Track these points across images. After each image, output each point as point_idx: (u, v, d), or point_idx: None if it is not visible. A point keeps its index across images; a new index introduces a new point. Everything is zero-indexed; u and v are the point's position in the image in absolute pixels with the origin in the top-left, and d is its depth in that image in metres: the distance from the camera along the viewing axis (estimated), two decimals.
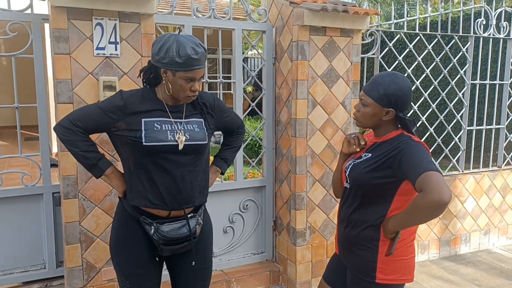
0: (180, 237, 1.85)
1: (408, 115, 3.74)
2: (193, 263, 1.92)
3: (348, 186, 1.83)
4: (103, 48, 2.49)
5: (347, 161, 1.89)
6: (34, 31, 2.66)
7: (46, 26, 2.74)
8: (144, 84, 1.89)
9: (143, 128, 1.76)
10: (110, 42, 2.50)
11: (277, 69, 3.25)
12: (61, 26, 2.40)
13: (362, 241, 1.73)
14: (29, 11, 2.65)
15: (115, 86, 2.51)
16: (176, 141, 1.78)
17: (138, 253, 1.85)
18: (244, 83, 3.21)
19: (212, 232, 2.07)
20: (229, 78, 10.93)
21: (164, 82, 1.79)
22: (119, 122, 1.77)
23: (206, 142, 1.88)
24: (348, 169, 1.82)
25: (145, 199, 1.80)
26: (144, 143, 1.74)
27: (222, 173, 2.19)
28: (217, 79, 3.22)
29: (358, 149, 1.84)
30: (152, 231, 1.81)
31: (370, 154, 1.78)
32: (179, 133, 1.79)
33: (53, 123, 3.93)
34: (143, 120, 1.77)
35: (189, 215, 1.89)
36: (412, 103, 3.74)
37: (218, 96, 2.99)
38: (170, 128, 1.80)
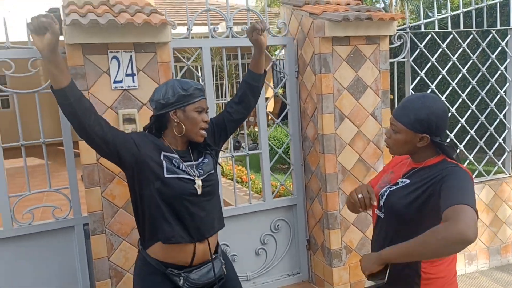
0: (210, 282, 1.84)
1: None
2: None
3: (382, 216, 1.69)
4: (120, 81, 2.46)
5: (380, 186, 1.75)
6: None
7: None
8: None
9: (162, 159, 1.75)
10: (127, 74, 2.46)
11: (301, 82, 3.13)
12: (77, 62, 2.38)
13: (402, 280, 1.59)
14: None
15: (134, 118, 2.47)
16: (195, 187, 1.77)
17: None
18: (276, 88, 3.12)
19: (233, 266, 2.06)
20: None
21: (174, 125, 1.77)
22: (140, 152, 1.72)
23: (213, 171, 1.89)
24: (384, 197, 1.68)
25: (175, 236, 1.75)
26: (165, 175, 1.72)
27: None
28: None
29: (364, 211, 1.72)
30: (182, 282, 1.77)
31: (408, 181, 1.63)
32: (196, 178, 1.78)
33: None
34: (163, 153, 1.77)
35: (213, 256, 1.87)
36: (449, 105, 3.53)
37: None
38: (186, 168, 1.79)
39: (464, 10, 3.54)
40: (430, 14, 3.57)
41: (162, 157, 1.75)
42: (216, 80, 8.75)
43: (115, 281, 2.55)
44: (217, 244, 1.96)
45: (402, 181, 1.65)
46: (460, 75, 3.63)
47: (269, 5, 10.25)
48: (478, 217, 1.36)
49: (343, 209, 3.00)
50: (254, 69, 1.99)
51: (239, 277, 3.05)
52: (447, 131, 3.52)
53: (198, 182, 1.77)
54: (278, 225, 3.20)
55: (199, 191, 1.77)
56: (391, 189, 1.67)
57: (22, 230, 2.71)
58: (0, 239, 2.68)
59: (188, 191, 1.75)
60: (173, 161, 1.77)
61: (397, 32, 3.21)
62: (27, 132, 2.70)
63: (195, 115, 1.77)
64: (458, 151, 1.65)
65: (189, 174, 1.77)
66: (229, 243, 3.05)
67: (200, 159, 1.87)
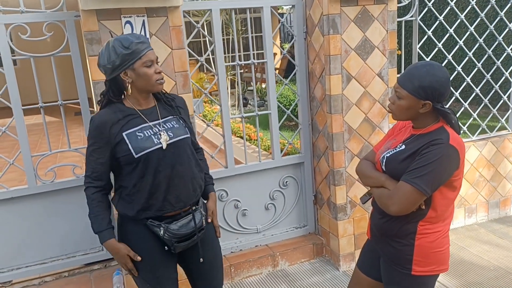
0: (190, 232, 1.90)
1: (452, 76, 3.57)
2: (201, 259, 1.98)
3: None
4: None
5: (381, 152, 1.86)
6: (69, 29, 2.74)
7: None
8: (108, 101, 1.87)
9: (127, 142, 1.79)
10: None
11: (309, 44, 3.17)
12: (92, 28, 2.45)
13: (400, 235, 1.74)
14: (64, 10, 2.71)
15: None
16: (161, 143, 1.81)
17: (153, 256, 1.89)
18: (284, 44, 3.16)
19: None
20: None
21: (129, 85, 1.79)
22: (112, 145, 1.80)
23: (188, 135, 1.92)
24: (383, 163, 1.79)
25: (153, 210, 1.85)
26: (135, 156, 1.78)
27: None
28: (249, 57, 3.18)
29: None
30: (162, 232, 1.85)
31: (404, 146, 1.74)
32: (162, 134, 1.82)
33: None
34: (124, 134, 1.80)
35: (193, 208, 1.94)
36: (456, 64, 3.57)
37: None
38: (152, 132, 1.82)
39: None
40: None
41: (126, 139, 1.79)
42: (224, 36, 8.66)
43: None
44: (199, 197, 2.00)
45: (399, 146, 1.76)
46: (468, 33, 3.64)
47: None
48: (428, 195, 1.61)
49: (348, 166, 3.13)
50: None
51: (249, 230, 3.26)
52: (452, 89, 3.58)
53: (165, 137, 1.80)
54: (286, 181, 3.36)
55: (164, 146, 1.79)
56: (388, 155, 1.78)
57: (46, 187, 2.89)
58: (26, 195, 2.88)
59: (156, 154, 1.78)
60: (137, 133, 1.80)
61: None
62: (35, 92, 2.79)
63: (146, 70, 1.75)
64: (462, 110, 1.75)
65: (157, 137, 1.80)
66: (240, 198, 3.23)
67: (168, 118, 1.89)
